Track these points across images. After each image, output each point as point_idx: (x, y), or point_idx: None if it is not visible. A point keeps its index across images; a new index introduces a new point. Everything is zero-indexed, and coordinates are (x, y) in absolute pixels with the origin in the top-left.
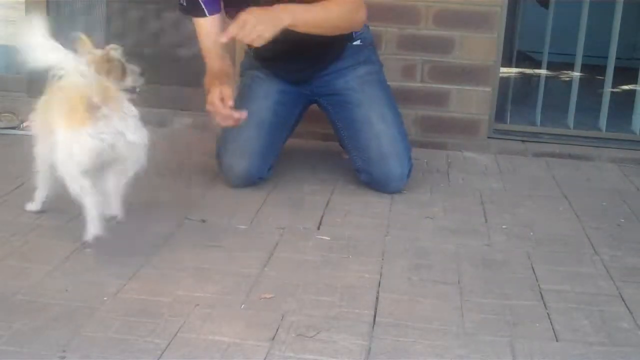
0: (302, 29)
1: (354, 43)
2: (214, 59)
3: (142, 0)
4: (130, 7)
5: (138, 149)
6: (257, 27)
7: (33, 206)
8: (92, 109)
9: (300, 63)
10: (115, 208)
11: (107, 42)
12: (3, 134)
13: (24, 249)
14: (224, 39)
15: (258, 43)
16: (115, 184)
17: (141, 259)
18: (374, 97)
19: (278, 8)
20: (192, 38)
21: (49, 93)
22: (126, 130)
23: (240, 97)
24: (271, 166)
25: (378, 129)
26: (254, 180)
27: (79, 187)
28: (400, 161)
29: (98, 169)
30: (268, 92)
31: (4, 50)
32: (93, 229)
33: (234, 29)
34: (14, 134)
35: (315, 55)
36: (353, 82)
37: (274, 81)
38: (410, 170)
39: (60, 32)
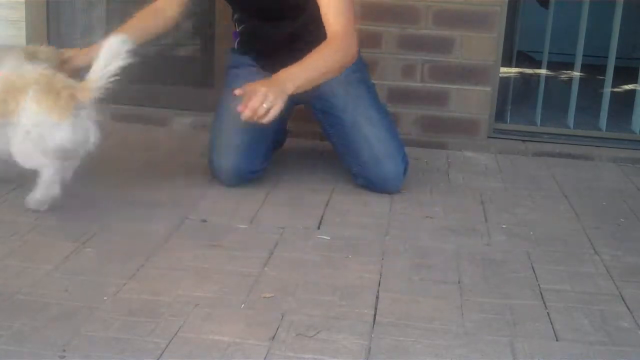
0: (306, 87)
1: None
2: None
3: (142, 0)
4: (130, 7)
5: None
6: (267, 99)
7: None
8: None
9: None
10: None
11: None
12: None
13: (24, 249)
14: (236, 92)
15: (268, 119)
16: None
17: (141, 259)
18: (358, 99)
19: (280, 78)
20: (193, 38)
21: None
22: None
23: (224, 97)
24: (265, 159)
25: (366, 132)
26: (246, 175)
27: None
28: (394, 161)
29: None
30: None
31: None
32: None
33: (245, 99)
34: None
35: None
36: (338, 86)
37: (258, 77)
38: (406, 168)
39: (61, 32)
